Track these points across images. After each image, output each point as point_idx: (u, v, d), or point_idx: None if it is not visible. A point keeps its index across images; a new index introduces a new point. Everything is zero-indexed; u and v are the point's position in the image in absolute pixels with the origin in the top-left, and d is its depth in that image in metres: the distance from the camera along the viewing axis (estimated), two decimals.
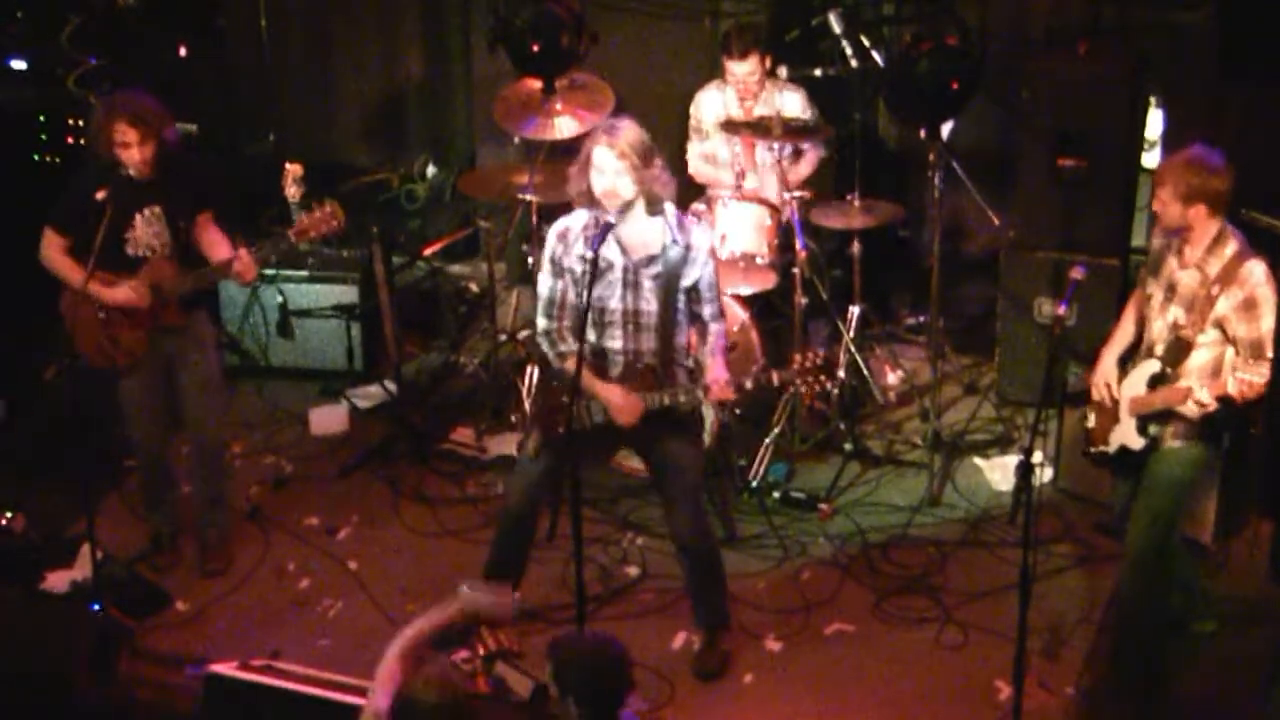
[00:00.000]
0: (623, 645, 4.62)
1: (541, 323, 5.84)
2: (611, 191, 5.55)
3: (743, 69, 7.42)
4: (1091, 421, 5.86)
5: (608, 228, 5.59)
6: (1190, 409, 5.46)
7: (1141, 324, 5.72)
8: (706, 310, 5.81)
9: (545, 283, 5.81)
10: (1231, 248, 5.44)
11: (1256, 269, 5.41)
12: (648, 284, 5.70)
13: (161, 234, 6.27)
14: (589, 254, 5.60)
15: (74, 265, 6.22)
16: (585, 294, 5.58)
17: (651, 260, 5.69)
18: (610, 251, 5.66)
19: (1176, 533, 5.80)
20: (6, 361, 7.46)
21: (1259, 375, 5.27)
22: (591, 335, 5.75)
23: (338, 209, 6.33)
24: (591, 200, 5.62)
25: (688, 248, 5.70)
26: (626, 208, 5.59)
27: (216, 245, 6.36)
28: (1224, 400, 5.39)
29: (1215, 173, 5.41)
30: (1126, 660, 5.87)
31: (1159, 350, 5.58)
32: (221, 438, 6.78)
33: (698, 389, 5.75)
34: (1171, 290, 5.55)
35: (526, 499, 6.05)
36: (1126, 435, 5.68)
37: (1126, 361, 5.75)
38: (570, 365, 5.71)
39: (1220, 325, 5.45)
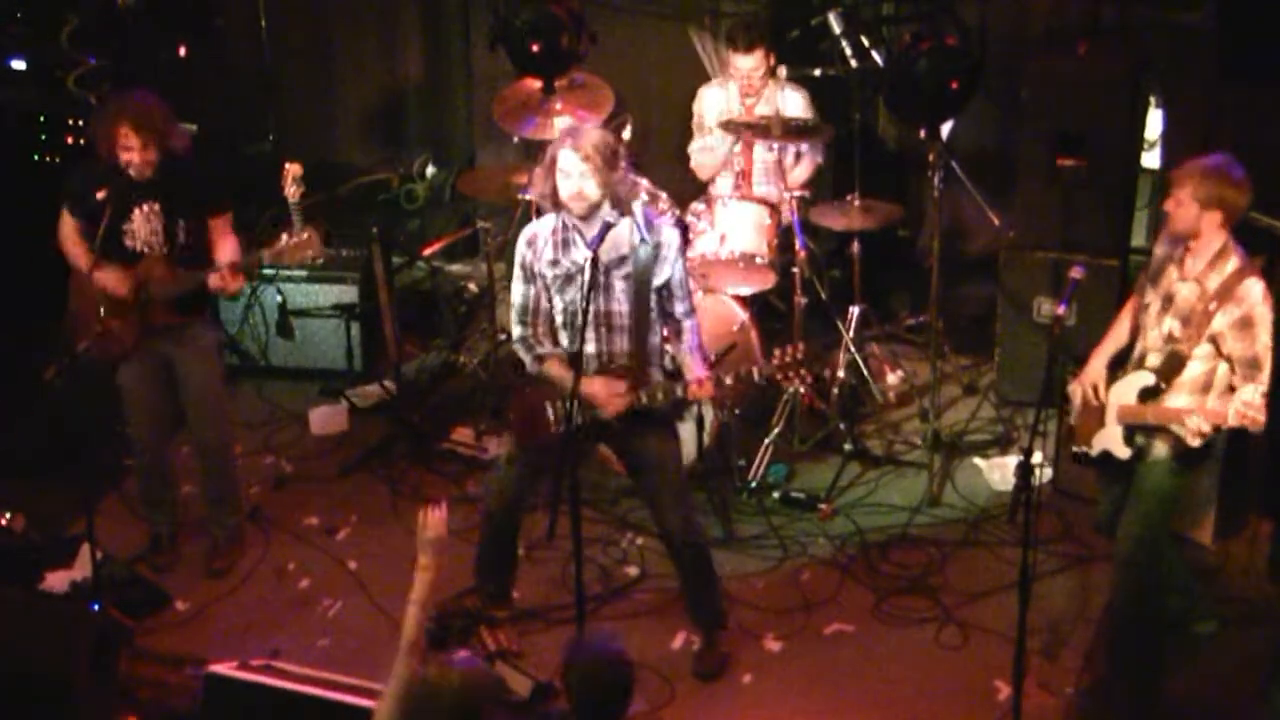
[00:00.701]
0: (628, 662, 4.62)
1: (516, 330, 5.86)
2: (578, 194, 5.56)
3: (747, 63, 7.41)
4: (1074, 420, 5.84)
5: (607, 227, 5.57)
6: (1185, 432, 5.44)
7: (1135, 331, 5.71)
8: (679, 307, 5.80)
9: (518, 289, 5.82)
10: (1233, 264, 5.41)
11: (1255, 287, 5.38)
12: (619, 285, 5.70)
13: (158, 232, 6.27)
14: (571, 257, 5.63)
15: (84, 250, 6.25)
16: (585, 294, 5.57)
17: (622, 261, 5.70)
18: (579, 254, 5.67)
19: (1164, 540, 5.80)
20: (6, 361, 7.46)
21: (1255, 408, 5.24)
22: (564, 339, 5.77)
23: (315, 239, 6.31)
24: (556, 203, 5.63)
25: (657, 246, 5.70)
26: (593, 210, 5.60)
27: (224, 253, 6.33)
28: (1219, 426, 5.38)
29: (1238, 186, 5.38)
30: (1122, 663, 5.86)
31: (1152, 361, 5.56)
32: (224, 443, 6.73)
33: (676, 386, 5.75)
34: (1169, 301, 5.53)
35: (504, 503, 6.06)
36: (1112, 442, 5.66)
37: (1116, 366, 5.74)
38: (548, 368, 5.76)
39: (1214, 341, 5.43)
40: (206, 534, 6.77)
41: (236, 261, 6.25)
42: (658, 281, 5.72)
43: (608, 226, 5.59)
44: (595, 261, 5.55)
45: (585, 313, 5.59)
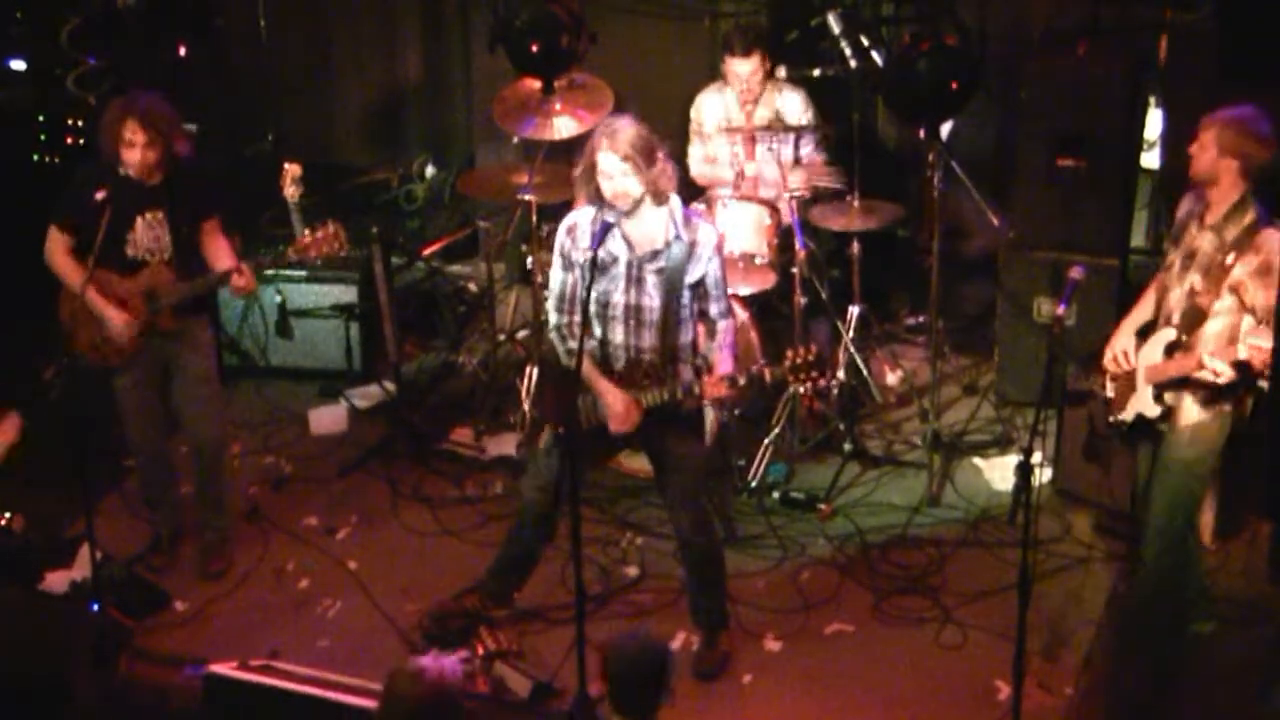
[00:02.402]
0: (668, 654, 4.70)
1: (553, 317, 5.88)
2: (622, 194, 5.58)
3: (745, 68, 7.42)
4: (1110, 391, 5.87)
5: (607, 227, 5.60)
6: (1206, 376, 5.45)
7: (1162, 298, 5.73)
8: (714, 308, 5.81)
9: (556, 277, 5.84)
10: (1251, 215, 5.47)
11: (1274, 237, 5.43)
12: (651, 279, 5.71)
13: (162, 239, 6.27)
14: (607, 248, 5.66)
15: (75, 266, 6.22)
16: (585, 291, 5.59)
17: (655, 255, 5.70)
18: (615, 246, 5.68)
19: (1198, 511, 5.82)
20: (6, 361, 7.46)
21: (1268, 339, 5.26)
22: (597, 329, 5.78)
23: (340, 230, 6.36)
24: (602, 201, 5.63)
25: (692, 244, 5.70)
26: (636, 205, 5.61)
27: (220, 254, 6.35)
28: (1239, 367, 5.37)
29: (1259, 137, 5.45)
30: (1144, 645, 5.86)
31: (1175, 318, 5.59)
32: (220, 441, 6.73)
33: (694, 385, 5.75)
34: (1190, 257, 5.58)
35: (547, 495, 6.03)
36: (1143, 403, 5.69)
37: (1143, 336, 5.77)
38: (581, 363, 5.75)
39: (1236, 291, 5.45)
40: (198, 538, 6.77)
41: (255, 263, 6.30)
42: (691, 279, 5.72)
43: (607, 226, 5.59)
44: (594, 261, 5.56)
45: (586, 309, 5.61)
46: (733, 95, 7.61)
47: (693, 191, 7.73)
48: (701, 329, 5.88)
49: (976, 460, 7.33)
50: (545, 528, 6.14)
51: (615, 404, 5.74)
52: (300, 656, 5.91)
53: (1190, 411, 5.61)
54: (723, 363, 5.79)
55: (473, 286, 8.72)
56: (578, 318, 5.76)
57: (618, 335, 5.75)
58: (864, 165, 7.51)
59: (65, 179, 6.39)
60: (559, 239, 5.80)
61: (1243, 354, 5.33)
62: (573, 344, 5.77)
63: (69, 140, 7.77)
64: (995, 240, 7.75)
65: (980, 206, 7.56)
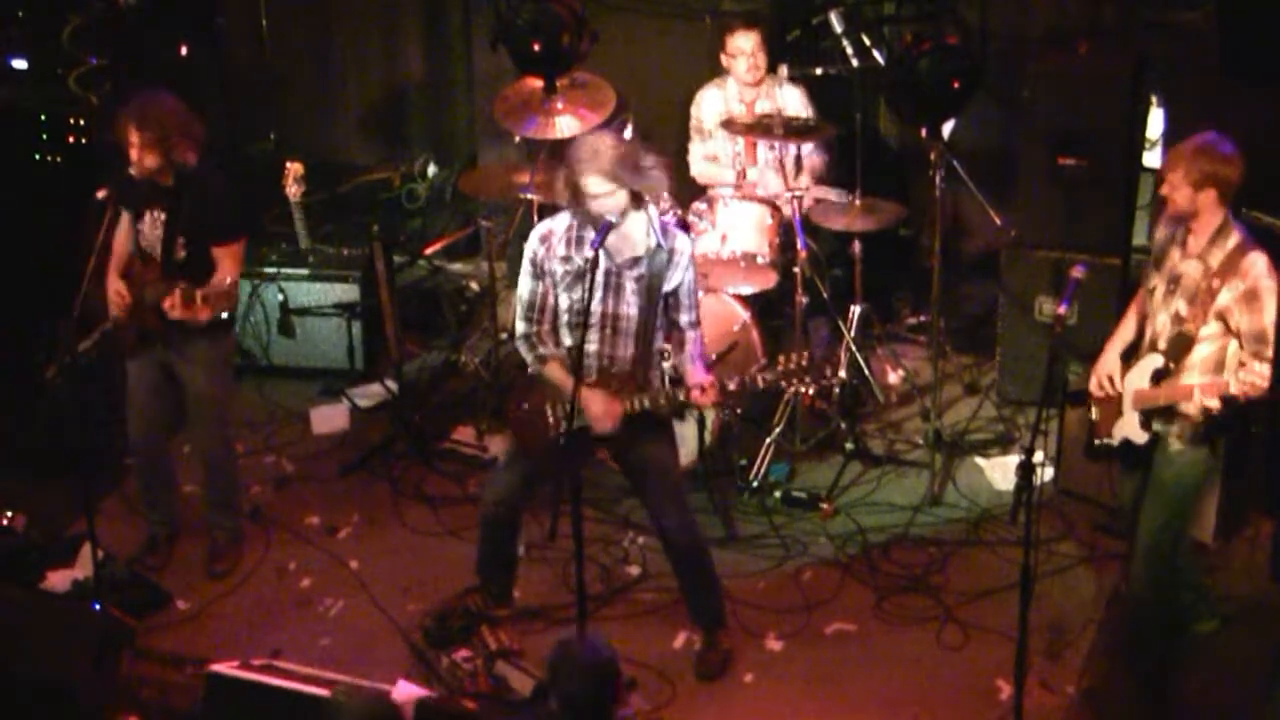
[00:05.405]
0: (615, 660, 4.67)
1: (520, 326, 5.85)
2: (611, 209, 5.57)
3: (749, 41, 7.42)
4: (1095, 415, 5.86)
5: (609, 226, 5.58)
6: (1193, 409, 5.47)
7: (1144, 320, 5.74)
8: (684, 317, 5.81)
9: (526, 285, 5.82)
10: (1234, 240, 5.45)
11: (1259, 261, 5.42)
12: (630, 286, 5.71)
13: (159, 239, 6.28)
14: (584, 255, 5.64)
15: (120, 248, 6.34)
16: (587, 292, 5.56)
17: (635, 262, 5.70)
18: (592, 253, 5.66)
19: (1185, 531, 5.82)
20: (6, 361, 7.46)
21: (1260, 377, 5.27)
22: (568, 338, 5.77)
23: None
24: (593, 217, 5.61)
25: (671, 252, 5.72)
26: (624, 213, 5.61)
27: (219, 279, 6.26)
28: (1227, 400, 5.39)
29: (1227, 160, 5.43)
30: (1134, 653, 5.86)
31: (1162, 344, 5.58)
32: (222, 454, 6.69)
33: (679, 392, 5.75)
34: (1174, 282, 5.56)
35: (502, 505, 6.07)
36: (1130, 429, 5.68)
37: (1129, 357, 5.76)
38: (550, 370, 5.75)
39: (1222, 317, 5.45)
40: (207, 535, 6.77)
41: (206, 292, 6.07)
42: (667, 287, 5.73)
43: (609, 226, 5.59)
44: (596, 261, 5.55)
45: (587, 311, 5.59)
46: (733, 90, 7.62)
47: (693, 190, 7.74)
48: (670, 338, 5.86)
49: (978, 459, 7.33)
50: (507, 535, 6.17)
51: (594, 405, 5.72)
52: (302, 655, 5.93)
53: (1181, 437, 5.61)
54: (695, 373, 5.78)
55: (475, 285, 8.73)
56: (547, 326, 5.78)
57: (591, 344, 5.71)
58: (866, 165, 7.51)
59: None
60: (531, 246, 5.79)
61: (1234, 388, 5.33)
62: (542, 350, 5.78)
63: (70, 139, 7.76)
64: (997, 239, 7.75)
65: (982, 206, 7.58)
